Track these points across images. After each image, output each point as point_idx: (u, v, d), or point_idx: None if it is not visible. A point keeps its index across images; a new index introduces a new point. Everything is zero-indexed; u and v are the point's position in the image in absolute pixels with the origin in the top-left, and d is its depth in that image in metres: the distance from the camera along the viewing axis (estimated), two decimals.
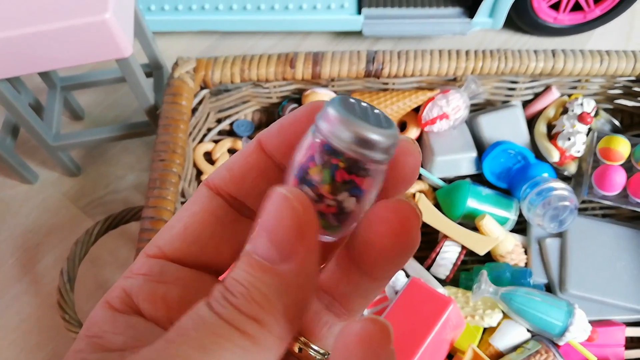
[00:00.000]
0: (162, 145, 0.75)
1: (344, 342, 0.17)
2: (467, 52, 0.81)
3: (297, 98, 0.90)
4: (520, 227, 0.81)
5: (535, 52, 0.82)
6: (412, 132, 0.86)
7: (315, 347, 0.21)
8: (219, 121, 0.92)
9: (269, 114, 0.94)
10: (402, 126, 0.88)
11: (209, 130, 0.91)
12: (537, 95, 0.89)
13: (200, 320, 0.17)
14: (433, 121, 0.81)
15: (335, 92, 0.87)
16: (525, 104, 0.89)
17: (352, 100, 0.19)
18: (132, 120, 1.00)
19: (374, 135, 0.18)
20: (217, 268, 0.21)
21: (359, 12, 0.99)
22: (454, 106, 0.80)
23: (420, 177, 0.85)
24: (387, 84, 0.85)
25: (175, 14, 1.01)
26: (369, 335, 0.16)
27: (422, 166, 0.85)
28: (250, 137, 0.92)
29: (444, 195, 0.80)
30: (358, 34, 1.05)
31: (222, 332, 0.16)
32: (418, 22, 1.01)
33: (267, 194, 0.18)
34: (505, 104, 0.89)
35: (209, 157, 0.89)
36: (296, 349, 0.21)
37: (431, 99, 0.82)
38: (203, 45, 1.09)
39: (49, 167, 0.96)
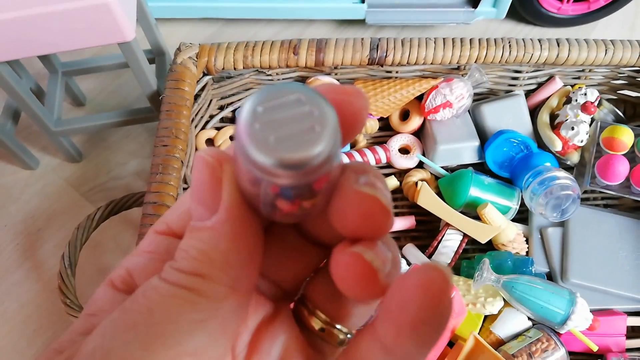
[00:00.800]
0: (165, 131, 0.75)
1: (402, 287, 0.16)
2: (471, 40, 0.81)
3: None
4: (522, 216, 0.81)
5: (540, 40, 0.81)
6: (415, 121, 0.85)
7: (339, 326, 0.21)
8: (221, 108, 0.92)
9: None
10: (405, 115, 0.88)
11: (211, 117, 0.90)
12: (540, 85, 0.89)
13: (149, 287, 0.17)
14: (436, 110, 0.81)
15: (338, 79, 0.87)
16: (528, 94, 0.89)
17: (276, 93, 0.16)
18: (135, 106, 0.99)
19: (300, 158, 0.15)
20: None
21: (363, 1, 0.99)
22: (457, 95, 0.80)
23: (422, 166, 0.85)
24: (390, 72, 0.84)
25: (179, 0, 1.01)
26: (430, 281, 0.15)
27: (424, 155, 0.85)
28: None
29: (446, 184, 0.80)
30: (362, 22, 1.05)
31: (167, 292, 0.17)
32: (422, 11, 1.00)
33: None
34: (508, 93, 0.89)
35: (211, 144, 0.88)
36: (317, 327, 0.20)
37: (434, 87, 0.81)
38: (206, 33, 1.09)
39: (50, 153, 0.96)
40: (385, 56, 0.80)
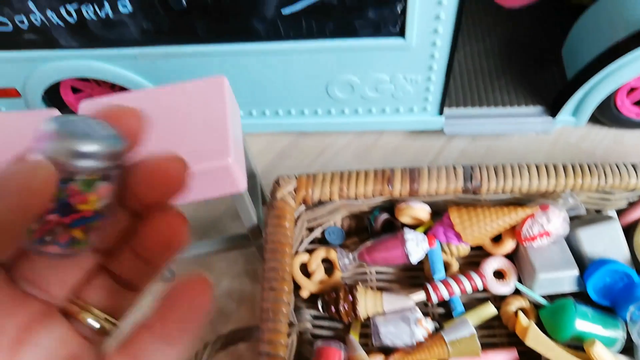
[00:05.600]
0: (272, 273, 0.77)
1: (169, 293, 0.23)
2: (565, 168, 0.82)
3: (388, 207, 0.91)
4: (626, 345, 0.80)
5: (635, 167, 0.82)
6: (508, 244, 0.86)
7: (111, 319, 0.25)
8: (310, 229, 0.94)
9: (359, 220, 0.95)
10: (497, 237, 0.88)
11: (302, 240, 0.92)
12: (631, 204, 0.88)
13: None
14: (533, 238, 0.81)
15: (428, 203, 0.88)
16: (619, 212, 0.89)
17: (72, 118, 0.21)
18: (221, 221, 1.02)
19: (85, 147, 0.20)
20: None
21: (441, 113, 1.01)
22: (555, 224, 0.80)
23: (519, 293, 0.84)
24: (478, 196, 0.86)
25: (259, 117, 1.05)
26: (194, 286, 0.23)
27: (521, 282, 0.85)
28: (342, 246, 0.93)
29: (548, 316, 0.80)
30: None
31: None
32: (499, 122, 1.02)
33: None
34: (599, 213, 0.89)
35: (305, 269, 0.90)
36: (90, 322, 0.24)
37: (530, 215, 0.82)
38: (283, 143, 1.12)
39: None
40: (480, 186, 0.82)
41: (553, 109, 1.01)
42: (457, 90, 1.04)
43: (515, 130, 1.02)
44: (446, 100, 0.98)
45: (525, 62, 1.09)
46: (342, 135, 1.12)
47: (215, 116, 0.70)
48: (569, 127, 1.09)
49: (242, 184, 0.72)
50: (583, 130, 1.09)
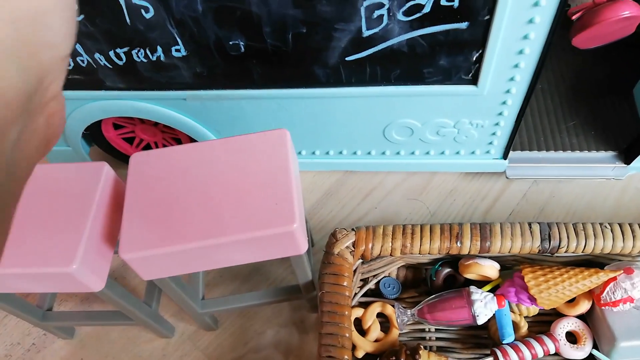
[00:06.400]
0: (329, 338, 0.71)
1: None
2: None
3: (450, 260, 0.85)
4: None
5: None
6: (583, 305, 0.79)
7: None
8: (363, 281, 0.88)
9: (416, 270, 0.89)
10: (571, 299, 0.81)
11: (355, 293, 0.87)
12: None
13: None
14: (615, 304, 0.74)
15: (493, 258, 0.82)
16: None
17: None
18: (265, 265, 0.97)
19: None
20: None
21: (505, 157, 0.94)
22: None
23: (593, 358, 0.78)
24: (552, 255, 0.79)
25: (308, 157, 0.99)
26: None
27: (597, 347, 0.78)
28: (398, 299, 0.87)
29: None
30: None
31: None
32: (567, 166, 0.95)
33: None
34: None
35: (359, 324, 0.84)
36: None
37: (612, 278, 0.75)
38: (330, 180, 1.07)
39: (184, 320, 0.94)
40: (559, 247, 0.75)
41: (627, 156, 0.93)
42: (521, 131, 0.98)
43: (584, 175, 0.95)
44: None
45: (593, 101, 1.02)
46: (391, 173, 1.07)
47: (278, 175, 0.65)
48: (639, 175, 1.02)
49: (303, 247, 0.67)
50: None
